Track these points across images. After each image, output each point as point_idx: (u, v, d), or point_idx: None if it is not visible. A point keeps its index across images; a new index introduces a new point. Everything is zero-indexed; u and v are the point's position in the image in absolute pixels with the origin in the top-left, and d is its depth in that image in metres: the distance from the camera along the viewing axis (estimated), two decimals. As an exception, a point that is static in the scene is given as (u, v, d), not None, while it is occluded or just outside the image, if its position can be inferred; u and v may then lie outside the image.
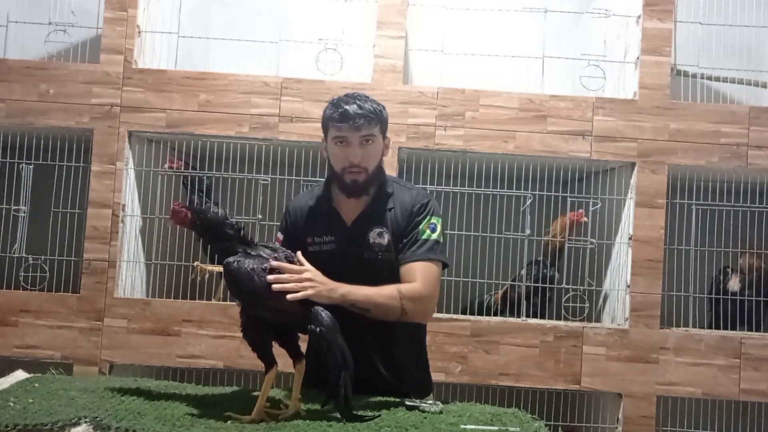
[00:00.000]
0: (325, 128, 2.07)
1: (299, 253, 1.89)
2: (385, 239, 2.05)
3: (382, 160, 2.12)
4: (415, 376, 2.17)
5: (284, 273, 1.77)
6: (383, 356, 2.07)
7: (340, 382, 1.64)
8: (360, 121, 1.98)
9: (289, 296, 1.72)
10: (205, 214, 1.82)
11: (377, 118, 2.03)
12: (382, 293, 1.94)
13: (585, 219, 3.36)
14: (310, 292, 1.77)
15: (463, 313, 3.51)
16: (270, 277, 1.74)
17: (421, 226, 2.06)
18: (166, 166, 3.35)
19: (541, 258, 3.46)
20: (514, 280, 3.48)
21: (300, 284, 1.76)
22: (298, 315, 1.72)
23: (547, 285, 3.38)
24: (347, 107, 1.99)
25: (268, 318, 1.74)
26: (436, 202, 2.15)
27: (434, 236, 2.05)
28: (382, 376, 2.06)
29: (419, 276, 2.00)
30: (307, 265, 1.85)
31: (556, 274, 3.40)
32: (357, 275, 1.95)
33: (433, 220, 2.07)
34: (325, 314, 1.71)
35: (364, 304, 1.90)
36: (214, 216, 1.83)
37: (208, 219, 1.81)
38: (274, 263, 1.78)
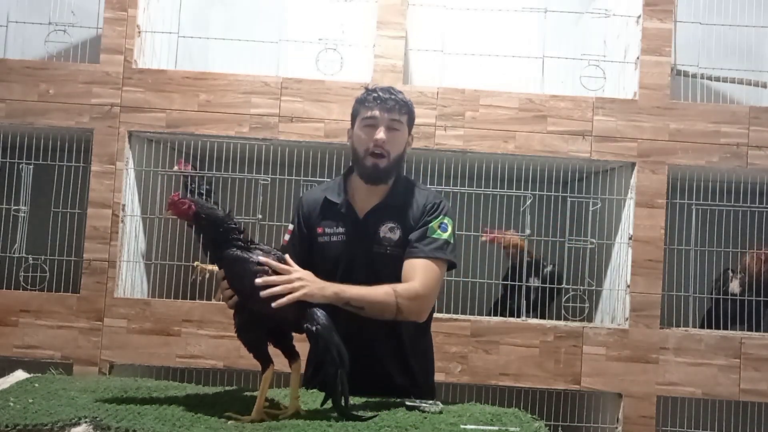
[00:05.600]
0: (355, 113, 2.10)
1: (287, 255, 1.85)
2: (397, 235, 2.05)
3: (404, 157, 2.13)
4: (423, 377, 2.17)
5: (271, 272, 1.73)
6: (397, 362, 2.08)
7: (336, 381, 1.63)
8: (391, 104, 2.04)
9: (275, 303, 1.67)
10: (213, 211, 1.77)
11: (407, 108, 2.09)
12: (377, 291, 1.91)
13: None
14: (300, 293, 1.72)
15: (489, 313, 3.51)
16: (258, 280, 1.69)
17: (431, 224, 2.05)
18: (176, 167, 3.35)
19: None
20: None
21: (290, 285, 1.72)
22: (292, 315, 1.71)
23: (551, 285, 3.38)
24: (380, 92, 2.07)
25: (263, 315, 1.72)
26: (449, 204, 2.15)
27: (445, 236, 2.04)
28: (394, 382, 2.07)
29: (419, 274, 1.98)
30: (295, 266, 1.80)
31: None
32: (365, 268, 1.95)
33: (445, 220, 2.07)
34: (320, 313, 1.70)
35: (358, 302, 1.86)
36: (219, 214, 1.77)
37: (213, 215, 1.75)
38: (262, 258, 1.72)
